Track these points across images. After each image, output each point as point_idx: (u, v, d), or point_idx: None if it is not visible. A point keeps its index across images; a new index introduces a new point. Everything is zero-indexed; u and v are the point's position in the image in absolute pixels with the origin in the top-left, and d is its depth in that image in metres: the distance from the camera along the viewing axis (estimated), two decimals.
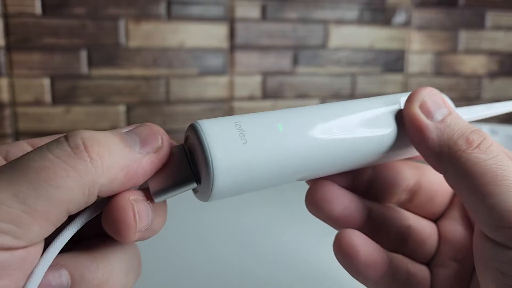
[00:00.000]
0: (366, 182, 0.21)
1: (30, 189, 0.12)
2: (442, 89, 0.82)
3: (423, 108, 0.17)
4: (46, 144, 0.13)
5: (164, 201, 0.16)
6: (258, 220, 0.45)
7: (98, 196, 0.14)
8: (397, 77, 0.77)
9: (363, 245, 0.19)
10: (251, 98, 0.71)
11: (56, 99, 0.64)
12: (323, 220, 0.20)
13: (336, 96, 0.75)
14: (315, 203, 0.20)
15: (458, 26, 0.78)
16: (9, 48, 0.61)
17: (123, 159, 0.14)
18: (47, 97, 0.63)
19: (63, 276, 0.15)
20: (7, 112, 0.62)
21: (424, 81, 0.78)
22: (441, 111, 0.17)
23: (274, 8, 0.69)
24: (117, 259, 0.16)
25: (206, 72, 0.68)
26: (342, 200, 0.20)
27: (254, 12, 0.68)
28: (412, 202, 0.22)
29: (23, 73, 0.62)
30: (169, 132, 0.72)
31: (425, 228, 0.22)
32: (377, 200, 0.22)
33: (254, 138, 0.15)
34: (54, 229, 0.13)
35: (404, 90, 0.78)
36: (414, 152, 0.19)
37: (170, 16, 0.65)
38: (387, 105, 0.18)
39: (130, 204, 0.14)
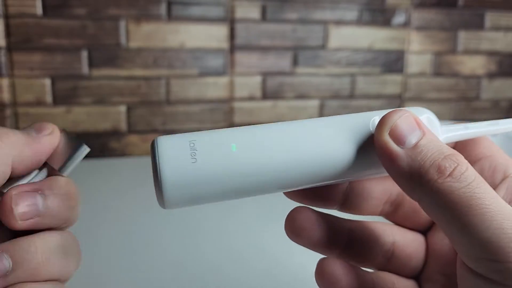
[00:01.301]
0: (343, 195, 0.21)
1: None
2: (441, 90, 0.83)
3: (394, 134, 0.16)
4: None
5: (70, 190, 0.21)
6: (244, 222, 0.45)
7: (12, 169, 0.19)
8: (397, 78, 0.77)
9: (344, 274, 0.19)
10: (251, 98, 0.71)
11: (57, 99, 0.64)
12: (304, 247, 0.20)
13: (336, 96, 0.75)
14: (294, 231, 0.20)
15: (457, 26, 0.78)
16: (10, 48, 0.61)
17: (23, 138, 0.19)
18: (48, 97, 0.64)
19: (5, 259, 0.18)
20: (8, 112, 0.63)
21: (423, 81, 0.79)
22: (414, 135, 0.16)
23: (274, 9, 0.69)
24: (54, 242, 0.19)
25: (206, 73, 0.68)
26: (321, 226, 0.20)
27: (254, 12, 0.69)
28: (397, 214, 0.22)
29: (24, 74, 0.62)
30: (169, 132, 0.72)
31: (411, 243, 0.22)
32: (358, 213, 0.21)
33: (204, 157, 0.16)
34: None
35: (403, 90, 0.78)
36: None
37: (170, 17, 0.65)
38: (355, 125, 0.18)
39: (9, 195, 0.18)
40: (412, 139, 0.16)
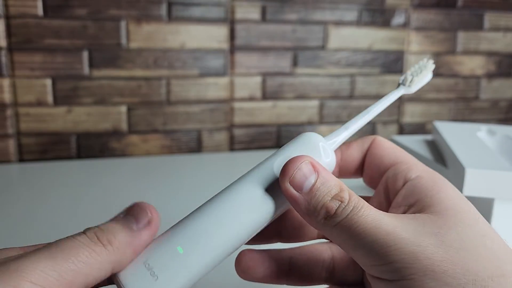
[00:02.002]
0: (278, 231, 0.24)
1: (63, 262, 0.16)
2: (440, 90, 0.83)
3: (293, 183, 0.20)
4: (73, 234, 0.18)
5: None
6: None
7: (112, 272, 0.18)
8: (396, 78, 0.78)
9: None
10: (251, 98, 0.72)
11: (58, 100, 0.64)
12: (254, 282, 0.24)
13: (336, 96, 0.75)
14: (242, 270, 0.24)
15: (456, 27, 0.79)
16: (11, 48, 0.61)
17: (127, 238, 0.18)
18: (49, 97, 0.64)
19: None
20: (9, 112, 0.63)
21: None
22: (309, 182, 0.19)
23: (274, 10, 0.69)
24: None
25: (206, 73, 0.69)
26: (264, 263, 0.24)
27: (254, 13, 0.69)
28: None
29: (25, 74, 0.62)
30: (169, 132, 0.72)
31: (346, 254, 0.25)
32: (298, 241, 0.25)
33: (163, 271, 0.19)
34: None
35: None
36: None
37: (170, 17, 0.66)
38: (264, 177, 0.21)
39: None
40: (308, 185, 0.19)
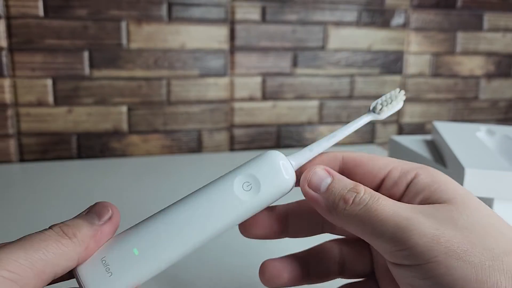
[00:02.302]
0: (284, 225, 0.26)
1: (34, 253, 0.18)
2: (440, 90, 0.83)
3: (311, 185, 0.22)
4: (42, 229, 0.20)
5: None
6: None
7: (78, 263, 0.20)
8: (396, 78, 0.78)
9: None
10: (251, 99, 0.72)
11: (58, 100, 0.64)
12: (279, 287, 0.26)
13: (335, 97, 0.76)
14: (267, 280, 0.25)
15: (456, 27, 0.79)
16: (11, 49, 0.62)
17: (90, 231, 0.20)
18: (50, 97, 0.64)
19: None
20: (10, 112, 0.63)
21: (422, 82, 0.79)
22: (325, 182, 0.22)
23: (273, 10, 0.70)
24: None
25: (206, 73, 0.69)
26: (286, 269, 0.25)
27: (254, 14, 0.69)
28: (336, 227, 0.26)
29: (26, 74, 0.63)
30: (170, 132, 0.72)
31: (355, 248, 0.26)
32: (304, 236, 0.26)
33: (117, 268, 0.20)
34: (44, 285, 0.19)
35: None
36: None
37: (171, 18, 0.66)
38: (219, 195, 0.22)
39: None
40: (324, 185, 0.22)
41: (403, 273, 0.19)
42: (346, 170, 0.24)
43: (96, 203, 0.22)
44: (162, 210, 0.22)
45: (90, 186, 0.55)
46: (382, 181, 0.23)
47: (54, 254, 0.19)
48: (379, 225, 0.19)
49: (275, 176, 0.22)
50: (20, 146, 0.65)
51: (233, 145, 0.73)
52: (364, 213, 0.20)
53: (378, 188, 0.23)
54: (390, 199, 0.20)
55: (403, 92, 0.25)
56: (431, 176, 0.21)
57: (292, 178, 0.23)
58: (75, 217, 0.21)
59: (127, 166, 0.63)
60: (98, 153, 0.68)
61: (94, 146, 0.67)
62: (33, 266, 0.18)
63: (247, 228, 0.25)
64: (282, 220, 0.26)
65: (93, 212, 0.21)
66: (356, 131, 0.78)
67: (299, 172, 0.24)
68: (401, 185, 0.22)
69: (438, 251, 0.18)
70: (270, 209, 0.25)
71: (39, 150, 0.65)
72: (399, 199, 0.22)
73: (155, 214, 0.22)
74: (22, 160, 0.65)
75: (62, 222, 0.20)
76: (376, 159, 0.23)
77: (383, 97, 0.25)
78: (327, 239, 0.27)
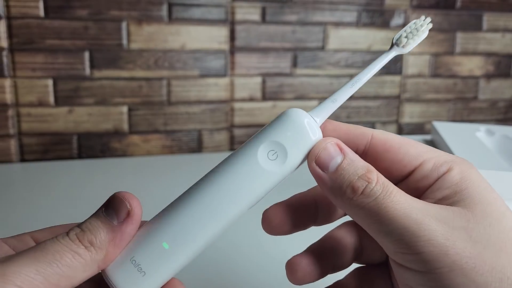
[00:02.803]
0: (310, 214, 0.24)
1: (47, 266, 0.17)
2: (439, 90, 0.83)
3: (318, 162, 0.20)
4: (58, 235, 0.18)
5: None
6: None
7: (98, 269, 0.19)
8: (395, 79, 0.78)
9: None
10: (251, 99, 0.72)
11: (59, 100, 0.64)
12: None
13: None
14: (296, 279, 0.23)
15: (455, 28, 0.79)
16: (12, 49, 0.62)
17: (108, 236, 0.18)
18: (50, 98, 0.64)
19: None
20: (11, 112, 0.63)
21: (421, 82, 0.79)
22: (335, 162, 0.19)
23: (273, 11, 0.70)
24: None
25: (207, 74, 0.69)
26: (309, 262, 0.23)
27: (254, 14, 0.69)
28: None
29: (26, 74, 0.63)
30: (170, 132, 0.72)
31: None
32: (325, 220, 0.24)
33: (149, 267, 0.19)
34: None
35: (402, 91, 0.79)
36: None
37: (171, 18, 0.66)
38: (245, 169, 0.20)
39: None
40: (333, 164, 0.19)
41: (404, 274, 0.18)
42: (373, 153, 0.21)
43: (112, 197, 0.19)
44: (184, 194, 0.21)
45: (91, 186, 0.55)
46: (412, 171, 0.20)
47: (70, 267, 0.17)
48: (387, 223, 0.18)
49: (301, 139, 0.20)
50: (21, 146, 0.65)
51: (233, 145, 0.73)
52: (373, 207, 0.18)
53: (405, 178, 0.21)
54: (405, 194, 0.18)
55: (428, 19, 0.23)
56: (462, 173, 0.19)
57: (319, 137, 0.21)
58: (92, 216, 0.19)
59: (127, 166, 0.64)
60: (99, 153, 0.68)
61: (94, 146, 0.67)
62: (46, 281, 0.16)
63: (273, 228, 0.23)
64: (311, 210, 0.23)
65: (110, 209, 0.19)
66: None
67: (323, 128, 0.21)
68: (431, 179, 0.20)
69: (444, 262, 0.17)
70: (297, 200, 0.23)
71: (40, 150, 0.66)
72: (424, 191, 0.20)
73: (177, 200, 0.21)
74: (22, 160, 0.65)
75: (78, 226, 0.19)
76: (408, 145, 0.21)
77: (407, 28, 0.22)
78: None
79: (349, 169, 0.19)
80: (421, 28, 0.22)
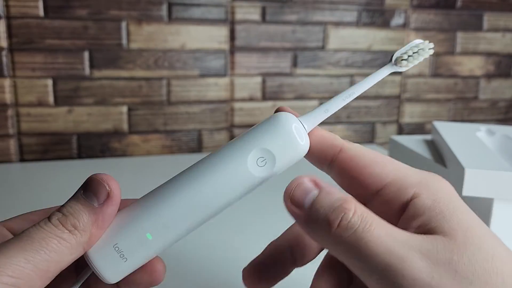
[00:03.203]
0: (291, 256, 0.23)
1: (35, 254, 0.17)
2: (440, 90, 0.83)
3: (293, 201, 0.19)
4: (40, 221, 0.18)
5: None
6: (242, 221, 0.45)
7: (84, 250, 0.19)
8: (395, 78, 0.78)
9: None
10: (251, 99, 0.72)
11: (59, 100, 0.64)
12: None
13: None
14: None
15: (455, 27, 0.79)
16: (12, 49, 0.62)
17: (91, 218, 0.19)
18: (50, 97, 0.64)
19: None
20: (10, 112, 0.63)
21: (422, 82, 0.79)
22: (309, 197, 0.19)
23: (273, 10, 0.70)
24: None
25: (207, 74, 0.69)
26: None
27: (254, 14, 0.69)
28: None
29: (26, 74, 0.63)
30: (170, 132, 0.72)
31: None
32: (305, 259, 0.23)
33: (131, 254, 0.20)
34: (49, 282, 0.18)
35: (402, 91, 0.79)
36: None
37: (171, 18, 0.66)
38: (232, 171, 0.21)
39: None
40: (308, 201, 0.19)
41: None
42: (338, 169, 0.21)
43: (90, 179, 0.20)
44: (169, 183, 0.21)
45: None
46: (376, 193, 0.20)
47: (57, 252, 0.18)
48: (368, 260, 0.17)
49: (289, 146, 0.20)
50: (21, 146, 0.65)
51: None
52: (352, 242, 0.17)
53: (372, 198, 0.20)
54: (386, 224, 0.18)
55: (432, 45, 0.22)
56: (433, 196, 0.19)
57: (307, 143, 0.21)
58: (72, 199, 0.20)
59: (127, 166, 0.64)
60: (98, 153, 0.68)
61: (94, 146, 0.67)
62: (36, 268, 0.17)
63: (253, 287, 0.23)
64: (286, 258, 0.23)
65: (89, 191, 0.19)
66: (356, 131, 0.78)
67: (312, 136, 0.21)
68: (395, 204, 0.19)
69: None
70: (269, 254, 0.23)
71: (39, 150, 0.65)
72: (392, 220, 0.19)
73: (162, 187, 0.21)
74: (22, 160, 0.65)
75: (59, 211, 0.19)
76: (374, 165, 0.20)
77: (408, 47, 0.22)
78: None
79: (324, 202, 0.18)
80: (422, 52, 0.22)
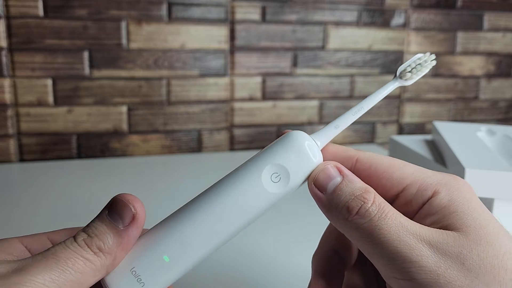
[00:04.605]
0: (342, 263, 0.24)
1: (61, 274, 0.17)
2: (440, 90, 0.83)
3: (317, 184, 0.20)
4: (65, 240, 0.18)
5: None
6: None
7: (107, 273, 0.19)
8: None
9: None
10: (251, 99, 0.72)
11: (58, 100, 0.64)
12: None
13: (335, 97, 0.76)
14: None
15: (456, 27, 0.79)
16: (11, 49, 0.61)
17: (116, 240, 0.19)
18: (49, 97, 0.64)
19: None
20: (10, 112, 0.63)
21: (422, 82, 0.79)
22: (333, 183, 0.20)
23: (273, 10, 0.70)
24: None
25: (206, 73, 0.69)
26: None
27: (254, 14, 0.69)
28: None
29: (26, 74, 0.63)
30: (170, 132, 0.72)
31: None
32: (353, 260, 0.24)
33: (149, 278, 0.20)
34: None
35: (402, 91, 0.79)
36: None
37: (171, 18, 0.66)
38: (247, 188, 0.21)
39: None
40: (331, 185, 0.20)
41: None
42: (359, 177, 0.21)
43: (115, 200, 0.19)
44: (186, 206, 0.21)
45: (90, 186, 0.55)
46: (397, 196, 0.20)
47: (81, 274, 0.18)
48: (380, 246, 0.18)
49: (303, 162, 0.21)
50: (20, 146, 0.65)
51: (233, 145, 0.73)
52: (367, 229, 0.18)
53: (393, 201, 0.21)
54: (401, 216, 0.18)
55: (433, 56, 0.23)
56: (450, 195, 0.19)
57: (320, 159, 0.21)
58: (96, 220, 0.19)
59: (127, 166, 0.63)
60: (98, 153, 0.68)
61: (94, 146, 0.67)
62: None
63: None
64: (336, 261, 0.24)
65: (114, 213, 0.19)
66: (356, 131, 0.78)
67: (326, 152, 0.22)
68: (415, 205, 0.20)
69: None
70: (322, 261, 0.24)
71: (39, 150, 0.65)
72: (411, 217, 0.20)
73: (179, 211, 0.21)
74: (22, 160, 0.65)
75: (84, 231, 0.19)
76: (393, 169, 0.21)
77: (411, 62, 0.23)
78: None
79: (346, 190, 0.19)
80: (425, 64, 0.23)
